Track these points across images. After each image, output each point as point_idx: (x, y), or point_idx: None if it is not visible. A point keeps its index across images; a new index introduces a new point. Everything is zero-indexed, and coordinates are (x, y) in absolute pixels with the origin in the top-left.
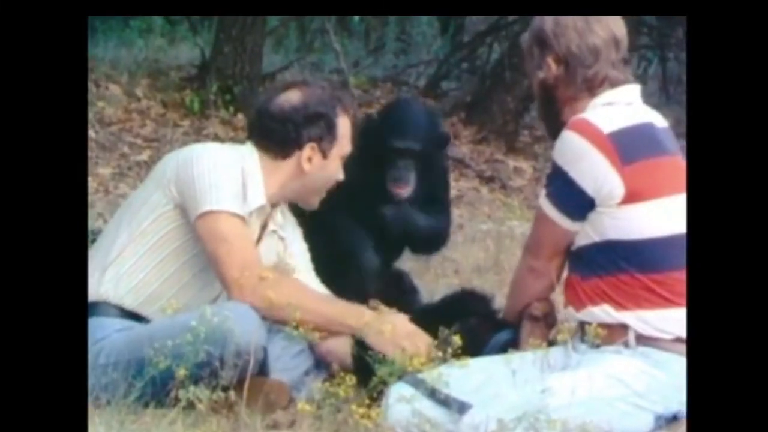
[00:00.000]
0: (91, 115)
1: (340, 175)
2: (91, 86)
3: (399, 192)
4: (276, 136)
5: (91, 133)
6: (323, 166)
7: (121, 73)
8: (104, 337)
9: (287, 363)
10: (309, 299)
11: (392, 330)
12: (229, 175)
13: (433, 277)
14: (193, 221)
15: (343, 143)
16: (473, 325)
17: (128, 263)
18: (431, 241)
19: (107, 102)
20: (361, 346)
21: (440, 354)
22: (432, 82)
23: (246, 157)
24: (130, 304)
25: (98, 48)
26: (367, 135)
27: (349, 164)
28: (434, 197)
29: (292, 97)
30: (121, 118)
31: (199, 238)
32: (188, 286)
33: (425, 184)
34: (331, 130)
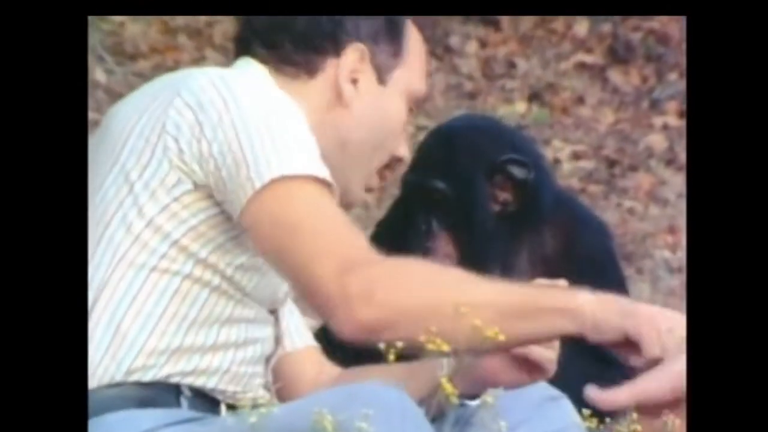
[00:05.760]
0: None
1: (401, 145)
2: None
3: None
4: (295, 27)
5: None
6: (377, 98)
7: None
8: None
9: None
10: (464, 287)
11: (644, 310)
12: (296, 119)
13: None
14: (245, 204)
15: (414, 73)
16: None
17: (123, 305)
18: None
19: None
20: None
21: None
22: None
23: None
24: (151, 374)
25: None
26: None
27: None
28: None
29: None
30: None
31: (257, 232)
32: (241, 330)
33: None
34: (395, 31)
